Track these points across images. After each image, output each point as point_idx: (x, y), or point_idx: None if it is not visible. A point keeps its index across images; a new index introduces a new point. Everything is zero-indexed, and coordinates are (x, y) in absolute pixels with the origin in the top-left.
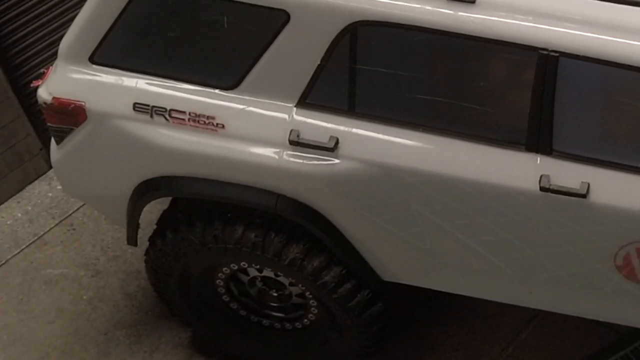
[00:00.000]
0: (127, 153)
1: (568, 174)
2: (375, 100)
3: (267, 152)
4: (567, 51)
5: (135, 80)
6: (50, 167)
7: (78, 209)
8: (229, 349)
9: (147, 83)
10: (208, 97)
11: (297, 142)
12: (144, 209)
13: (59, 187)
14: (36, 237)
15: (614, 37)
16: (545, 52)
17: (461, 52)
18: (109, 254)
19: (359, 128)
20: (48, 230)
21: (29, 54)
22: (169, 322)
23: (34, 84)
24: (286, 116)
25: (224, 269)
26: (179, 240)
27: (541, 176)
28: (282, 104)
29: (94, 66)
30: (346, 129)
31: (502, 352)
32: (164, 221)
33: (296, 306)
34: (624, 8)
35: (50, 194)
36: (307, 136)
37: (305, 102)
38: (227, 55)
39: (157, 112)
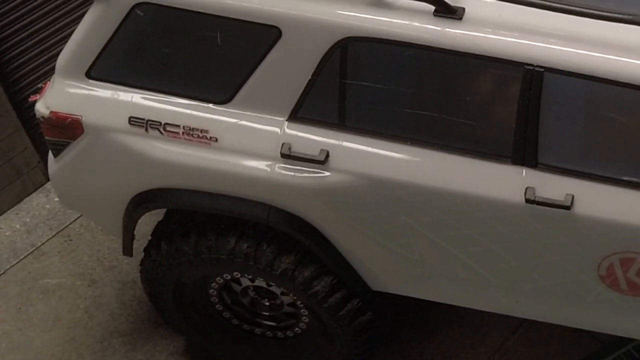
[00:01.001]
0: (122, 166)
1: (553, 186)
2: (365, 114)
3: (259, 165)
4: (551, 66)
5: (130, 94)
6: (48, 180)
7: (75, 220)
8: (222, 357)
9: (142, 97)
10: (202, 112)
11: (288, 155)
12: (139, 220)
13: (56, 199)
14: (34, 248)
15: (598, 52)
16: (530, 68)
17: (448, 67)
18: (105, 264)
19: (349, 141)
20: (46, 241)
21: (27, 69)
22: (164, 330)
23: (32, 98)
24: (278, 130)
25: (217, 278)
26: (173, 250)
27: (526, 188)
28: (274, 117)
29: (91, 81)
30: (336, 142)
31: (489, 359)
32: (159, 232)
33: (288, 315)
34: (607, 24)
35: (47, 206)
36: (298, 149)
37: (297, 116)
38: (220, 70)
39: (152, 125)
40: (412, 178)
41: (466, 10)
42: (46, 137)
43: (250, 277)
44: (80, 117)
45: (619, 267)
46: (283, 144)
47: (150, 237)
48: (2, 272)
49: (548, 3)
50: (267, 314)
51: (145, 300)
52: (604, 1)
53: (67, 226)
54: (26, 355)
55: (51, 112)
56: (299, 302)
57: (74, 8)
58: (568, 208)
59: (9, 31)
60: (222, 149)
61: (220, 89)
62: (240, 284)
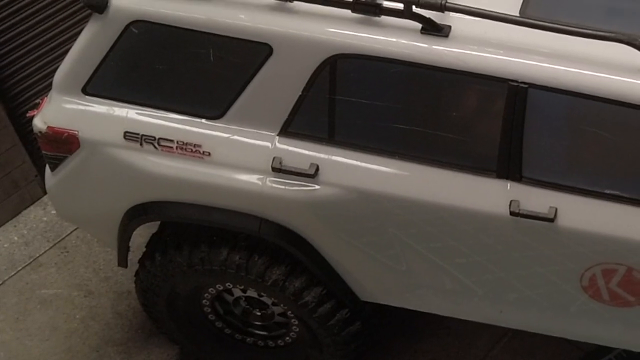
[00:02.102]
0: (118, 179)
1: (537, 199)
2: (354, 129)
3: (251, 179)
4: (535, 82)
5: (125, 110)
6: (45, 193)
7: (71, 232)
8: None
9: (137, 113)
10: (195, 127)
11: (279, 169)
12: (134, 232)
13: (53, 211)
14: (32, 260)
15: (580, 69)
16: (515, 84)
17: (435, 84)
18: (100, 275)
19: (339, 155)
20: (43, 253)
21: (24, 85)
22: (158, 339)
23: (30, 114)
24: (269, 144)
25: (210, 289)
26: (167, 262)
27: (511, 201)
28: (265, 132)
29: (87, 97)
30: (326, 156)
31: None
32: (153, 244)
33: (278, 325)
34: (589, 42)
35: (45, 218)
36: (289, 163)
37: (287, 130)
38: (213, 86)
39: (147, 140)
40: (400, 191)
41: (452, 28)
42: (43, 152)
43: (242, 287)
44: (76, 132)
45: (601, 278)
46: (274, 158)
47: (144, 249)
48: (0, 282)
49: (532, 21)
50: (258, 323)
51: (139, 310)
52: (586, 19)
53: (63, 238)
54: None
55: (48, 127)
56: (289, 312)
57: (71, 26)
58: (551, 220)
59: (7, 48)
60: (214, 163)
61: (213, 104)
62: (232, 295)
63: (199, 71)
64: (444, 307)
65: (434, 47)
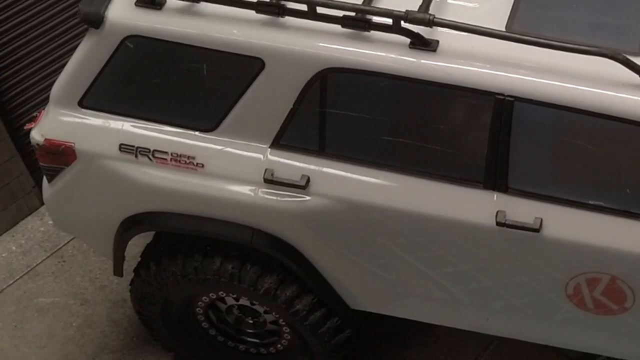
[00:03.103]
0: (113, 190)
1: (522, 210)
2: (344, 141)
3: (243, 190)
4: (521, 96)
5: (121, 123)
6: (42, 204)
7: (68, 242)
8: None
9: (132, 125)
10: (189, 139)
11: (271, 181)
12: (129, 242)
13: (50, 222)
14: (29, 269)
15: (565, 83)
16: (501, 97)
17: (423, 97)
18: (96, 284)
19: (329, 167)
20: (40, 262)
21: (22, 98)
22: (152, 347)
23: (27, 126)
24: (261, 156)
25: (203, 297)
26: (161, 271)
27: (497, 212)
28: (258, 145)
29: (83, 110)
30: (317, 168)
31: None
32: (148, 254)
33: (270, 332)
34: (574, 56)
35: (42, 229)
36: (280, 175)
37: (279, 143)
38: (206, 99)
39: (142, 152)
40: (389, 202)
41: (440, 43)
42: (41, 163)
43: (234, 296)
44: (73, 144)
45: (585, 287)
46: (266, 170)
47: (139, 258)
48: None
49: (518, 36)
50: (250, 331)
51: (134, 318)
52: (571, 34)
53: (60, 248)
54: None
55: (45, 139)
56: (281, 320)
57: (68, 40)
58: (537, 231)
59: (5, 62)
60: (208, 175)
61: (206, 117)
62: (225, 303)
63: (192, 85)
64: (432, 315)
65: (422, 61)
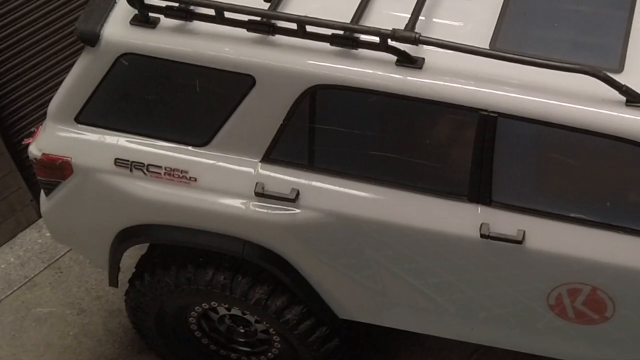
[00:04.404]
0: (109, 204)
1: (506, 222)
2: (333, 155)
3: (234, 203)
4: (504, 112)
5: (116, 138)
6: (40, 216)
7: (65, 254)
8: None
9: (127, 141)
10: (182, 154)
11: (261, 194)
12: (124, 253)
13: (48, 234)
14: (27, 280)
15: (547, 99)
16: (485, 113)
17: (410, 113)
18: (92, 294)
19: (318, 181)
20: (38, 273)
21: (20, 114)
22: (147, 355)
23: (25, 141)
24: (252, 170)
25: (196, 307)
26: (155, 282)
27: (481, 224)
28: (249, 159)
29: (80, 125)
30: (306, 182)
31: None
32: (142, 265)
33: (261, 341)
34: (556, 73)
35: (40, 241)
36: (270, 188)
37: (269, 157)
38: (199, 115)
39: (136, 166)
40: (377, 215)
41: (426, 60)
42: (38, 177)
43: (226, 306)
44: (69, 159)
45: (566, 297)
46: (257, 184)
47: (134, 269)
48: None
49: (501, 53)
50: (242, 340)
51: (129, 328)
52: (553, 51)
53: (57, 259)
54: None
55: (43, 154)
56: (271, 330)
57: (65, 58)
58: (520, 242)
59: (4, 80)
60: (200, 188)
61: (199, 132)
62: (217, 313)
63: (185, 101)
64: (418, 324)
65: (408, 78)
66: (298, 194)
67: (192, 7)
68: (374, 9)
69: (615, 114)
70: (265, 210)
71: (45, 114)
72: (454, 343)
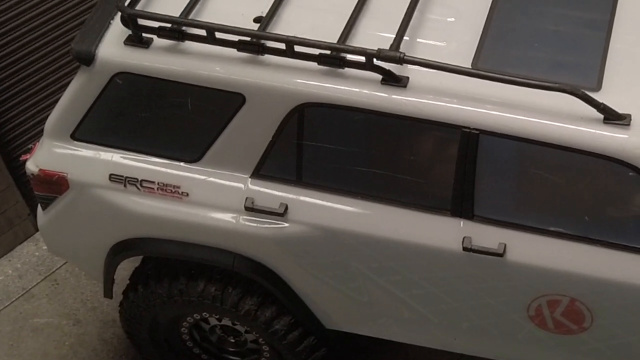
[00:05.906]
0: (104, 218)
1: (487, 236)
2: (320, 171)
3: (225, 217)
4: (486, 129)
5: (111, 154)
6: (37, 230)
7: (61, 266)
8: None
9: (122, 157)
10: (174, 169)
11: (251, 209)
12: (119, 266)
13: (45, 247)
14: (25, 291)
15: (527, 117)
16: (467, 130)
17: (395, 130)
18: (88, 305)
19: (306, 196)
20: (35, 285)
21: (18, 131)
22: None
23: (23, 157)
24: (242, 186)
25: (188, 318)
26: (149, 293)
27: (464, 238)
28: (239, 175)
29: (75, 142)
30: (294, 196)
31: None
32: (136, 277)
33: (251, 351)
34: (536, 92)
35: (37, 253)
36: (260, 203)
37: (259, 173)
38: (191, 132)
39: (130, 182)
40: (363, 229)
41: (410, 79)
42: (35, 192)
43: (217, 317)
44: (66, 175)
45: (546, 308)
46: (247, 199)
47: (128, 281)
48: None
49: (482, 72)
50: (232, 349)
51: (124, 338)
52: (533, 71)
53: (54, 271)
54: None
55: (40, 170)
56: (261, 339)
57: (61, 77)
58: (501, 255)
59: (2, 97)
60: (192, 203)
61: (191, 149)
62: (208, 323)
63: (178, 119)
64: (402, 334)
65: (393, 96)
66: (287, 208)
67: (184, 28)
68: (360, 30)
69: (594, 131)
70: (255, 225)
71: (42, 131)
72: (438, 352)
